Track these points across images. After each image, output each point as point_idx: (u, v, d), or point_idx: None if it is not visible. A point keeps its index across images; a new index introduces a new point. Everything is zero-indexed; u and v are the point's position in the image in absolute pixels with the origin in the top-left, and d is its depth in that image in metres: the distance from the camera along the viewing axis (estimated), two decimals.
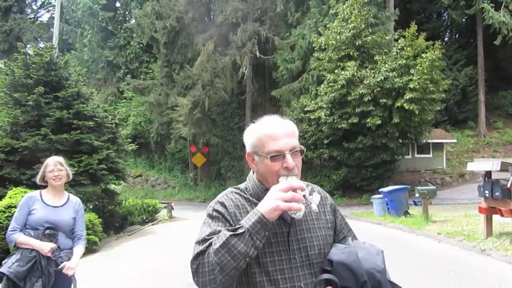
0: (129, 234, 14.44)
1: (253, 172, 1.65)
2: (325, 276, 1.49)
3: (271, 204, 1.40)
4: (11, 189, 11.50)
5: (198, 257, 1.44)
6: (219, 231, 1.46)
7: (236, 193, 1.63)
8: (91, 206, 14.56)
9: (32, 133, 12.61)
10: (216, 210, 1.56)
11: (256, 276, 1.50)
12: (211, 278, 1.41)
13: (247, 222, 1.41)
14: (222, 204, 1.58)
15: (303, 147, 1.62)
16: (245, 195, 1.61)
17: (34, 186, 12.04)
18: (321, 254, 1.58)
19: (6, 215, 10.43)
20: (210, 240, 1.45)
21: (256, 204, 1.48)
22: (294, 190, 1.42)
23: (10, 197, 10.92)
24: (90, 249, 11.70)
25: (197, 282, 1.45)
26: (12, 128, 12.54)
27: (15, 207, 10.44)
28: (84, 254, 11.38)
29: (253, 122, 1.66)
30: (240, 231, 1.40)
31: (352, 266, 1.50)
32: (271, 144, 1.53)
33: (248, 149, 1.62)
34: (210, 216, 1.57)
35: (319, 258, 1.57)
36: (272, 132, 1.55)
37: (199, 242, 1.49)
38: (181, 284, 6.16)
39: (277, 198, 1.39)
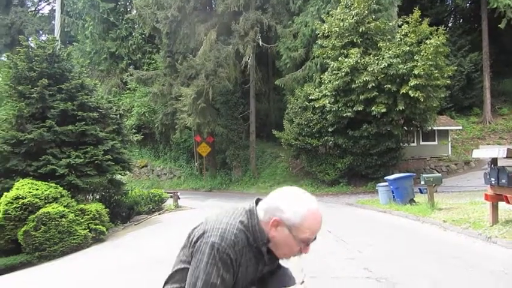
0: (135, 224, 14.55)
1: (257, 212, 1.73)
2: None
3: None
4: (18, 180, 11.63)
5: None
6: (225, 280, 1.61)
7: (243, 232, 1.68)
8: (98, 197, 14.69)
9: (37, 125, 12.69)
10: (228, 256, 1.62)
11: None
12: None
13: None
14: (234, 249, 1.63)
15: None
16: (248, 236, 1.68)
17: (40, 178, 12.22)
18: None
19: (13, 206, 10.56)
20: None
21: (249, 248, 1.66)
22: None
23: (17, 189, 11.03)
24: (98, 238, 11.83)
25: None
26: (18, 120, 12.63)
27: (23, 198, 10.61)
28: (92, 244, 11.54)
29: (296, 196, 1.78)
30: None
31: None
32: (308, 234, 1.68)
33: (281, 217, 1.67)
34: (221, 259, 1.61)
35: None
36: (315, 225, 1.70)
37: (207, 284, 1.60)
38: None
39: None
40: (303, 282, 1.75)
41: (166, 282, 1.80)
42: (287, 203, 1.69)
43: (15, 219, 10.55)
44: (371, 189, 18.84)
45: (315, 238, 1.72)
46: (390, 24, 19.57)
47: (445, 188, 17.02)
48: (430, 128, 21.14)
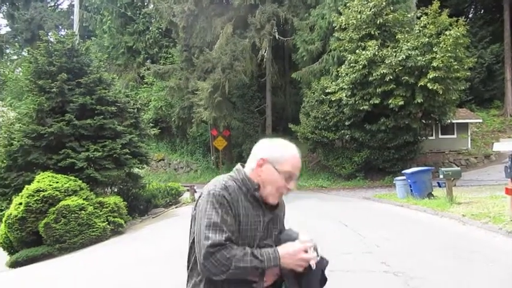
0: (153, 217, 14.72)
1: (243, 169, 1.92)
2: (268, 241, 1.87)
3: (294, 262, 1.78)
4: (39, 173, 11.85)
5: (215, 247, 1.68)
6: (227, 221, 1.74)
7: (232, 181, 1.85)
8: (116, 190, 14.88)
9: (56, 119, 12.90)
10: (225, 198, 1.77)
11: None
12: (221, 270, 1.69)
13: (269, 261, 1.74)
14: (228, 191, 1.79)
15: None
16: (239, 185, 1.84)
17: (60, 171, 12.43)
18: (279, 239, 1.92)
19: (34, 198, 10.78)
20: (219, 237, 1.70)
21: (245, 196, 1.82)
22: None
23: (38, 182, 11.25)
24: (116, 231, 12.01)
25: (206, 261, 1.70)
26: (38, 114, 12.85)
27: (43, 191, 10.81)
28: (111, 236, 11.71)
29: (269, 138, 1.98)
30: (259, 266, 1.72)
31: (290, 235, 1.89)
32: (289, 167, 1.85)
33: (265, 156, 1.86)
34: (217, 201, 1.76)
35: (275, 239, 1.90)
36: (295, 159, 1.88)
37: (211, 227, 1.72)
38: None
39: (300, 259, 1.76)
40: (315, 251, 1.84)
41: (188, 254, 1.93)
42: (268, 145, 1.91)
43: (36, 212, 10.77)
44: (388, 183, 18.67)
45: (297, 177, 1.89)
46: (409, 15, 19.26)
47: (464, 182, 16.78)
48: (449, 121, 20.81)
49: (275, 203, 1.89)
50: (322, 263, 1.88)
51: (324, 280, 1.90)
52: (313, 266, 1.79)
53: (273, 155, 1.86)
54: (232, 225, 1.74)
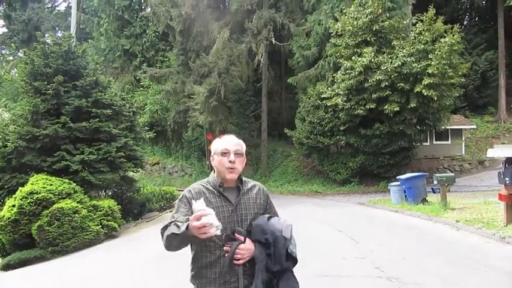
0: (147, 221, 14.68)
1: (213, 171, 2.44)
2: (236, 228, 2.29)
3: (192, 231, 2.02)
4: (33, 176, 11.79)
5: (162, 229, 2.24)
6: (180, 210, 2.31)
7: (201, 185, 2.41)
8: (110, 193, 14.82)
9: (52, 121, 12.86)
10: (185, 196, 2.36)
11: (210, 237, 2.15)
12: (163, 243, 2.23)
13: (181, 228, 2.09)
14: (190, 192, 2.37)
15: (243, 152, 2.43)
16: (206, 186, 2.39)
17: (54, 173, 12.37)
18: (250, 224, 2.35)
19: (28, 201, 10.73)
20: (171, 220, 2.24)
21: (213, 193, 2.34)
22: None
23: (32, 184, 11.20)
24: (110, 235, 11.96)
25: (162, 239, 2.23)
26: (33, 116, 12.80)
27: (37, 193, 10.75)
28: (104, 240, 11.65)
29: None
30: (177, 232, 2.10)
31: (262, 225, 2.31)
32: (223, 146, 2.39)
33: (212, 153, 2.42)
34: (180, 200, 2.39)
35: (248, 226, 2.34)
36: (225, 140, 2.43)
37: (171, 217, 2.30)
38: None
39: (193, 228, 1.99)
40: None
41: None
42: (212, 144, 2.49)
43: (29, 214, 10.72)
44: (383, 188, 18.72)
45: (238, 152, 2.37)
46: (404, 22, 19.36)
47: (458, 188, 16.85)
48: (443, 127, 20.89)
49: (233, 178, 2.35)
50: (280, 241, 2.25)
51: (291, 259, 2.28)
52: (213, 232, 2.00)
53: (213, 148, 2.43)
54: (185, 213, 2.26)
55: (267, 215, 2.39)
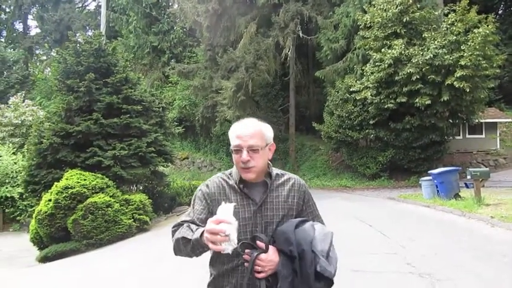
0: (177, 215, 14.90)
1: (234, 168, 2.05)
2: (257, 234, 1.89)
3: (204, 234, 1.71)
4: (67, 171, 12.16)
5: (174, 227, 1.98)
6: (195, 208, 1.98)
7: (222, 178, 2.05)
8: (141, 188, 15.11)
9: (84, 118, 13.19)
10: (201, 190, 2.02)
11: None
12: (174, 249, 1.95)
13: (195, 234, 1.80)
14: (207, 186, 2.02)
15: (269, 143, 2.00)
16: (228, 180, 2.02)
17: (87, 169, 12.71)
18: (276, 229, 1.94)
19: (63, 195, 11.06)
20: (185, 219, 1.96)
21: (233, 189, 1.97)
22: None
23: (67, 179, 11.55)
24: (142, 228, 12.21)
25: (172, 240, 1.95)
26: (66, 113, 13.17)
27: (72, 188, 11.08)
28: (136, 233, 11.88)
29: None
30: (188, 237, 1.82)
31: (287, 233, 1.86)
32: (234, 140, 1.95)
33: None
34: (196, 195, 2.03)
35: (274, 232, 1.93)
36: (237, 132, 1.96)
37: (184, 215, 2.02)
38: None
39: (207, 231, 1.68)
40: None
41: None
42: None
43: (64, 208, 11.06)
44: (413, 183, 18.37)
45: (253, 148, 1.91)
46: (436, 13, 18.87)
47: (493, 183, 16.36)
48: (477, 120, 20.32)
49: (250, 178, 1.94)
50: (307, 256, 1.81)
51: (324, 279, 1.82)
52: (224, 248, 1.66)
53: (230, 139, 2.00)
54: (200, 211, 1.96)
55: (298, 219, 1.94)
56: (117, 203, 11.65)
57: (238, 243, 1.70)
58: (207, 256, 2.01)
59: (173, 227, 1.96)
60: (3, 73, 33.35)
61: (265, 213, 1.94)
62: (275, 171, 2.04)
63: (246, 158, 1.89)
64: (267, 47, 22.88)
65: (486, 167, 20.12)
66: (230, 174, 2.04)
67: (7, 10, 46.15)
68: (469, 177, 12.17)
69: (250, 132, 1.94)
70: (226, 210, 1.71)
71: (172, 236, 1.93)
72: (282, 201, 1.98)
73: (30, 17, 46.58)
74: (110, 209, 11.27)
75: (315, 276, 1.80)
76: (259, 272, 1.82)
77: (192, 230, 1.83)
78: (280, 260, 1.83)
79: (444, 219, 10.51)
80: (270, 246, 1.85)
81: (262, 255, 1.82)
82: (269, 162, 2.02)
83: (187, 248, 1.83)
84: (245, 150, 1.90)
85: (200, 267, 2.30)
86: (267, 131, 2.02)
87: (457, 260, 6.56)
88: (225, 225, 1.65)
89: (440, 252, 7.08)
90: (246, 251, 1.84)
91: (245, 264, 1.85)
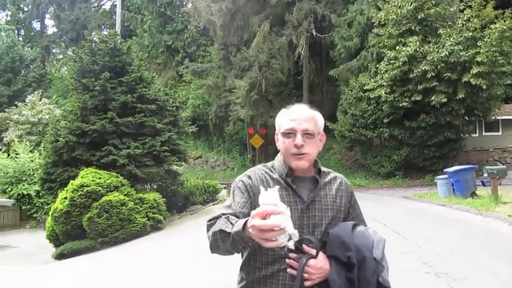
0: (191, 214, 14.97)
1: (280, 153, 1.82)
2: (306, 235, 1.64)
3: (249, 230, 1.41)
4: (83, 169, 12.29)
5: (209, 220, 1.69)
6: (236, 200, 1.71)
7: (263, 170, 1.81)
8: (155, 186, 15.21)
9: (99, 117, 13.32)
10: (242, 181, 1.77)
11: None
12: (211, 245, 1.66)
13: (236, 226, 1.51)
14: (249, 177, 1.77)
15: (320, 132, 1.81)
16: (271, 173, 1.79)
17: (102, 167, 12.83)
18: (325, 232, 1.71)
19: (79, 193, 11.19)
20: (223, 212, 1.67)
21: (278, 183, 1.70)
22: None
23: (82, 177, 11.68)
24: (156, 227, 12.29)
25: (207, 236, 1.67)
26: (82, 112, 13.31)
27: (87, 186, 11.19)
28: (151, 232, 11.96)
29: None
30: (228, 230, 1.54)
31: (343, 237, 1.65)
32: (287, 123, 1.74)
33: (276, 130, 1.82)
34: (236, 186, 1.77)
35: (323, 235, 1.71)
36: (291, 114, 1.76)
37: (223, 207, 1.75)
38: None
39: (254, 228, 1.37)
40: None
41: None
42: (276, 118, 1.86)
43: (80, 206, 11.19)
44: (428, 182, 18.17)
45: (308, 132, 1.72)
46: (451, 9, 18.61)
47: (511, 181, 16.08)
48: (493, 117, 20.00)
49: (302, 166, 1.72)
50: (370, 265, 1.61)
51: None
52: (283, 242, 1.39)
53: (277, 123, 1.82)
54: (243, 204, 1.69)
55: (351, 223, 1.74)
56: (131, 201, 11.74)
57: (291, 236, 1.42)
58: (220, 258, 1.82)
59: (209, 220, 1.69)
60: (21, 72, 33.88)
61: (313, 213, 1.72)
62: (322, 168, 1.85)
63: (300, 142, 1.69)
64: (280, 46, 22.83)
65: (503, 164, 19.78)
66: (273, 167, 1.82)
67: (25, 9, 46.89)
68: (485, 175, 12.02)
69: (306, 115, 1.76)
70: (270, 197, 1.41)
71: (208, 230, 1.66)
72: (330, 201, 1.77)
73: (47, 16, 47.28)
74: (124, 207, 11.37)
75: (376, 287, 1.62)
76: (305, 280, 1.59)
77: (231, 223, 1.56)
78: (333, 268, 1.61)
79: (460, 218, 10.38)
80: (320, 252, 1.63)
81: (311, 261, 1.59)
82: (316, 158, 1.82)
83: (226, 243, 1.55)
84: (299, 134, 1.70)
85: (220, 267, 2.16)
86: (320, 118, 1.83)
87: (474, 259, 6.47)
88: (276, 217, 1.36)
89: (457, 252, 6.99)
90: (293, 255, 1.60)
91: (288, 270, 1.62)
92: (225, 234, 1.54)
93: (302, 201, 1.71)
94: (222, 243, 1.57)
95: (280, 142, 1.77)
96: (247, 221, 1.44)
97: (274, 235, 1.36)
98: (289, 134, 1.72)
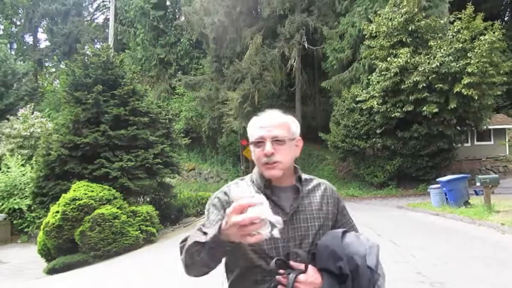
0: (184, 226, 14.87)
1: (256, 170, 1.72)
2: (292, 249, 1.55)
3: (227, 230, 1.34)
4: (75, 182, 12.19)
5: (181, 243, 1.56)
6: (210, 219, 1.59)
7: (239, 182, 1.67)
8: (148, 199, 15.11)
9: (92, 130, 13.26)
10: (218, 198, 1.66)
11: (254, 261, 1.55)
12: (185, 264, 1.53)
13: (210, 232, 1.41)
14: (225, 193, 1.64)
15: (296, 138, 1.71)
16: (250, 185, 1.63)
17: (95, 180, 12.74)
18: (313, 243, 1.61)
19: (71, 207, 11.08)
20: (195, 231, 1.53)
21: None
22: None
23: (74, 190, 11.57)
24: (149, 240, 12.17)
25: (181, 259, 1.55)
26: (74, 125, 13.25)
27: (79, 199, 11.09)
28: (144, 244, 11.83)
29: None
30: (202, 240, 1.43)
31: (332, 246, 1.54)
32: (257, 131, 1.63)
33: (249, 140, 1.69)
34: (212, 204, 1.66)
35: (311, 246, 1.60)
36: (260, 122, 1.65)
37: (197, 228, 1.57)
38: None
39: (234, 225, 1.30)
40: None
41: None
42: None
43: (72, 220, 11.07)
44: (422, 191, 18.23)
45: (277, 139, 1.62)
46: (441, 21, 18.87)
47: (503, 190, 16.15)
48: (485, 127, 20.21)
49: (274, 176, 1.60)
50: (364, 274, 1.52)
51: None
52: (267, 234, 1.31)
53: (248, 134, 1.70)
54: (217, 221, 1.52)
55: (341, 230, 1.62)
56: (124, 214, 11.64)
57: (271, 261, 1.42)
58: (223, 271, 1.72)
59: (181, 242, 1.57)
60: (13, 85, 33.72)
61: (298, 224, 1.60)
62: (303, 175, 1.74)
63: (270, 150, 1.57)
64: (273, 58, 22.99)
65: (495, 173, 19.89)
66: (251, 179, 1.70)
67: (18, 23, 46.86)
68: (478, 184, 12.06)
69: (276, 122, 1.65)
70: (244, 190, 1.34)
71: (181, 253, 1.53)
72: (316, 209, 1.65)
73: (40, 30, 47.25)
74: (117, 220, 11.26)
75: None
76: None
77: (204, 232, 1.45)
78: (325, 281, 1.50)
79: (454, 227, 10.39)
80: (309, 265, 1.52)
81: (301, 277, 1.48)
82: (296, 165, 1.74)
83: (202, 256, 1.43)
84: (269, 142, 1.59)
85: (213, 279, 2.07)
86: (293, 123, 1.73)
87: (469, 268, 6.46)
88: (254, 208, 1.28)
89: (451, 261, 6.98)
90: (281, 271, 1.50)
91: None
92: (199, 246, 1.43)
93: (285, 212, 1.58)
94: (198, 256, 1.44)
95: (253, 152, 1.66)
96: (221, 224, 1.36)
97: (256, 228, 1.28)
98: (258, 143, 1.62)
